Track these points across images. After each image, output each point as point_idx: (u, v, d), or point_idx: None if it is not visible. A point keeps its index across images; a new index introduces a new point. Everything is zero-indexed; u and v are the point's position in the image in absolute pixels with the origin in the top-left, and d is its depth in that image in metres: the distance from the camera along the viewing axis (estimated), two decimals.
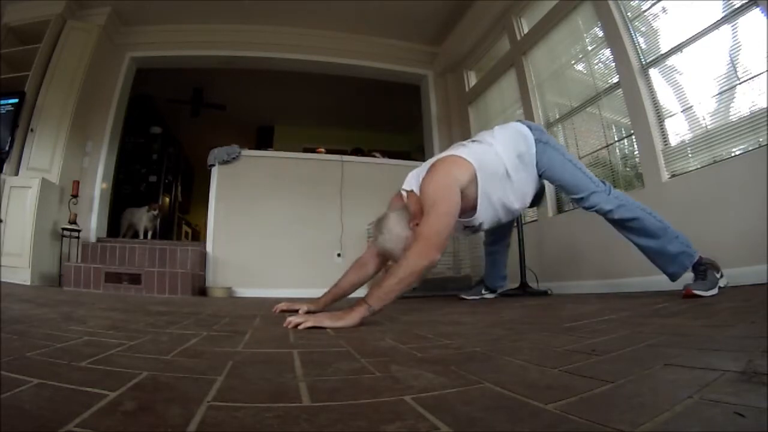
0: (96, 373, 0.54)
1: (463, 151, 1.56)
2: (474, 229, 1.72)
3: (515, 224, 2.39)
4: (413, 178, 1.59)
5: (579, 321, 1.10)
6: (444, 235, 1.29)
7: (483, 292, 2.38)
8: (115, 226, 4.44)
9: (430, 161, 1.61)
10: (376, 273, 1.61)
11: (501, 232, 2.24)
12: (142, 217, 4.60)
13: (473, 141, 1.70)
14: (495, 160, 1.58)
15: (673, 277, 1.59)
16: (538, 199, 1.91)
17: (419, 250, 1.22)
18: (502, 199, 1.62)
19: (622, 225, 1.65)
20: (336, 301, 1.56)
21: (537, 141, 1.68)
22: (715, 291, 1.44)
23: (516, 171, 1.61)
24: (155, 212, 4.62)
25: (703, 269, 1.52)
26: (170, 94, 5.65)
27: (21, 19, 3.64)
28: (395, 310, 1.68)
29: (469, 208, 1.54)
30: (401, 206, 1.53)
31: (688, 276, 1.56)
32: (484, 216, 1.61)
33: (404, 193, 1.60)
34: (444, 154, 1.60)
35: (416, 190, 1.51)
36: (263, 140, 6.58)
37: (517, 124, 1.75)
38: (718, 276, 1.51)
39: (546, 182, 3.25)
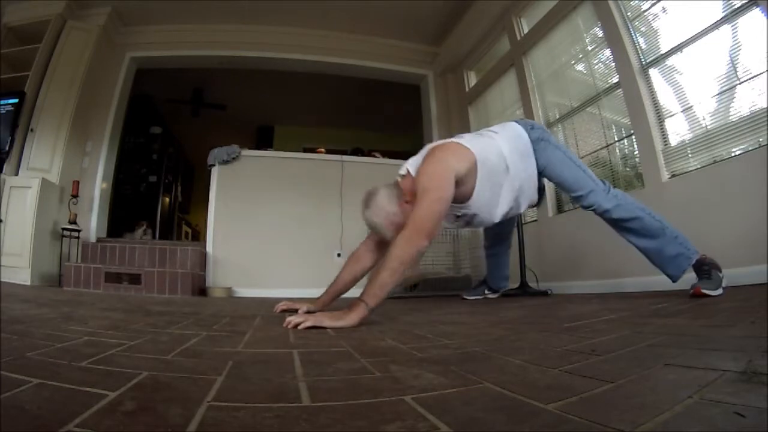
0: (96, 373, 0.54)
1: (466, 139, 1.54)
2: (466, 221, 1.67)
3: (515, 225, 2.36)
4: (410, 163, 1.55)
5: (579, 321, 1.10)
6: (433, 221, 1.28)
7: (486, 292, 2.39)
8: (115, 226, 4.43)
9: (429, 146, 1.56)
10: (373, 265, 1.57)
11: (501, 235, 2.21)
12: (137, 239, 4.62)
13: (475, 134, 1.69)
14: (497, 154, 1.56)
15: (672, 278, 1.57)
16: (538, 198, 1.91)
17: (407, 236, 1.21)
18: (500, 194, 1.60)
19: (620, 225, 1.63)
20: (335, 299, 1.56)
21: (538, 139, 1.67)
22: (720, 291, 1.44)
23: (517, 169, 1.60)
24: (143, 229, 4.66)
25: (707, 269, 1.50)
26: (170, 94, 5.65)
27: (21, 19, 3.65)
28: (395, 310, 1.68)
29: (464, 197, 1.51)
30: (394, 185, 1.50)
31: (690, 276, 1.54)
32: (477, 207, 1.57)
33: (399, 178, 1.57)
34: (445, 141, 1.57)
35: (413, 173, 1.49)
36: (263, 140, 6.58)
37: (515, 125, 1.72)
38: (720, 275, 1.50)
39: (546, 182, 3.26)
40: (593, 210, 1.65)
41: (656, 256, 1.59)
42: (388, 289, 1.18)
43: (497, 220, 1.71)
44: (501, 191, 1.60)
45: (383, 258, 1.24)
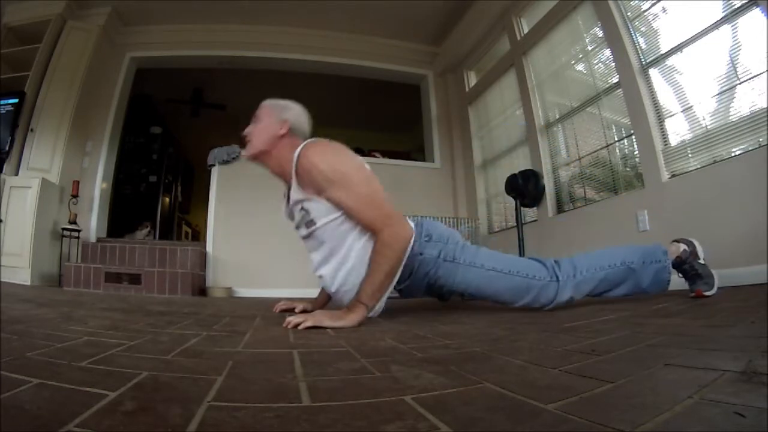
0: (96, 373, 0.54)
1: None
2: (306, 221, 1.32)
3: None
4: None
5: (579, 321, 1.10)
6: (389, 205, 1.21)
7: None
8: (115, 226, 4.44)
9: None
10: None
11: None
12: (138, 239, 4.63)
13: None
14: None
15: (664, 291, 1.50)
16: (538, 198, 1.89)
17: (390, 233, 1.16)
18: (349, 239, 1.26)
19: (593, 296, 1.45)
20: (330, 299, 1.56)
21: (439, 260, 1.34)
22: (715, 282, 1.42)
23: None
24: (147, 230, 4.67)
25: (688, 267, 1.44)
26: (170, 94, 5.64)
27: (21, 19, 3.65)
28: (395, 310, 1.68)
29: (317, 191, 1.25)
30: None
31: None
32: (320, 212, 1.26)
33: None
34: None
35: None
36: None
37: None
38: (702, 262, 1.45)
39: (545, 181, 3.23)
40: (554, 307, 1.39)
41: (637, 291, 1.46)
42: (385, 289, 1.18)
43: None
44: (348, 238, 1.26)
45: (375, 258, 1.16)
